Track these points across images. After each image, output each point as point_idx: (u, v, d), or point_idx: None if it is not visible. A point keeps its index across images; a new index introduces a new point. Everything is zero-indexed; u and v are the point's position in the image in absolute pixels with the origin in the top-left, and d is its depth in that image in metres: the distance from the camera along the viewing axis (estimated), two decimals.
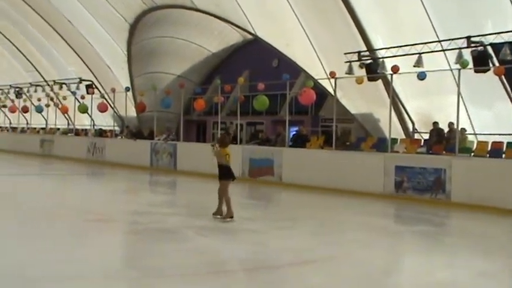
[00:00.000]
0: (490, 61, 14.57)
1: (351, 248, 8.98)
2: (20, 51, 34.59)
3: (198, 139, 29.02)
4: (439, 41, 15.38)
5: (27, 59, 34.82)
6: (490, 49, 14.44)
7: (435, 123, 17.25)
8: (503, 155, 15.35)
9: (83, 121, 33.07)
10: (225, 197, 10.54)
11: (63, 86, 29.74)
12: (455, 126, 14.79)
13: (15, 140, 32.89)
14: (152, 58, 28.01)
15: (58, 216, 11.11)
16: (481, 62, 14.42)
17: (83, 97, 27.36)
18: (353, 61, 17.22)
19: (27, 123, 35.52)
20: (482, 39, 14.41)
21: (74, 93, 28.12)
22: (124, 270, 7.37)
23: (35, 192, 15.88)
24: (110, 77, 29.43)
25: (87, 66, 30.69)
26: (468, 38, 14.45)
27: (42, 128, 33.90)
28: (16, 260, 7.33)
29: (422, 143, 17.62)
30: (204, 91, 27.02)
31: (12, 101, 33.54)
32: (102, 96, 26.90)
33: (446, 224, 12.70)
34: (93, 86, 28.65)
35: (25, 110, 31.95)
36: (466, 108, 16.69)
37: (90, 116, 30.63)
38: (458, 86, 14.21)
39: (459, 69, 14.11)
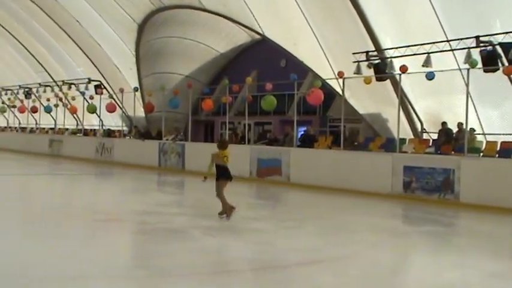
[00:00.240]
0: (499, 61, 14.49)
1: (358, 248, 8.95)
2: (30, 52, 34.75)
3: (206, 139, 29.04)
4: (448, 41, 15.31)
5: (36, 59, 34.98)
6: (499, 49, 14.35)
7: (444, 123, 17.18)
8: None
9: (91, 121, 33.20)
10: (220, 196, 10.62)
11: (72, 86, 29.86)
12: (464, 126, 14.72)
13: (25, 140, 33.05)
14: (160, 58, 28.06)
15: (66, 216, 11.15)
16: (490, 61, 14.36)
17: (91, 97, 27.47)
18: (361, 61, 17.18)
19: (36, 124, 35.69)
20: (491, 38, 14.33)
21: (82, 93, 28.23)
22: (132, 270, 7.38)
23: (43, 192, 15.97)
24: (118, 77, 29.51)
25: (96, 67, 30.78)
26: (477, 37, 14.38)
27: (51, 128, 34.06)
28: (24, 259, 7.36)
29: (430, 143, 17.55)
30: (212, 91, 27.06)
31: (22, 101, 33.70)
32: (111, 97, 26.99)
33: (455, 224, 12.64)
34: (102, 86, 28.74)
35: (34, 110, 32.09)
36: (475, 108, 16.60)
37: (99, 116, 30.72)
38: (467, 85, 14.15)
39: (468, 69, 14.06)
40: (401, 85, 16.20)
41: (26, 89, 33.76)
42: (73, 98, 29.84)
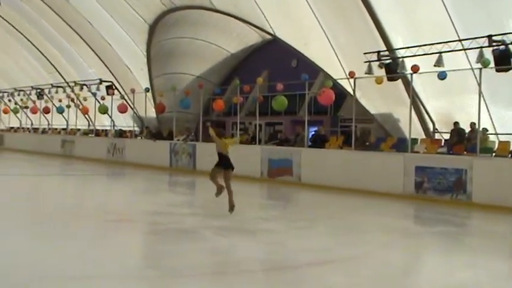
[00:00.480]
0: (511, 60, 14.38)
1: (370, 249, 8.92)
2: (42, 53, 34.98)
3: None
4: (460, 40, 15.22)
5: (48, 60, 35.20)
6: (511, 48, 14.25)
7: (456, 123, 17.08)
8: None
9: (103, 122, 33.34)
10: (229, 187, 10.94)
11: (84, 87, 29.98)
12: (476, 126, 14.63)
13: (37, 140, 33.26)
14: (171, 59, 28.13)
15: (78, 216, 11.21)
16: (502, 61, 14.25)
17: (103, 98, 27.56)
18: (372, 61, 17.12)
19: (49, 124, 35.91)
20: (504, 38, 14.22)
21: (94, 94, 28.35)
22: (143, 270, 7.40)
23: (55, 192, 16.06)
24: (129, 78, 29.62)
25: (107, 68, 30.92)
26: (489, 36, 14.28)
27: (63, 129, 34.25)
28: (36, 259, 7.40)
29: (442, 143, 17.45)
30: (223, 92, 27.08)
31: (34, 102, 33.91)
32: (122, 97, 27.08)
33: (467, 224, 12.56)
34: (113, 87, 28.83)
35: (46, 111, 32.30)
36: (487, 108, 16.49)
37: (110, 117, 30.84)
38: (479, 85, 14.06)
39: (480, 69, 13.97)
40: (412, 85, 16.13)
41: (38, 90, 33.96)
42: (85, 99, 29.98)
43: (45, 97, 33.36)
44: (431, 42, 15.50)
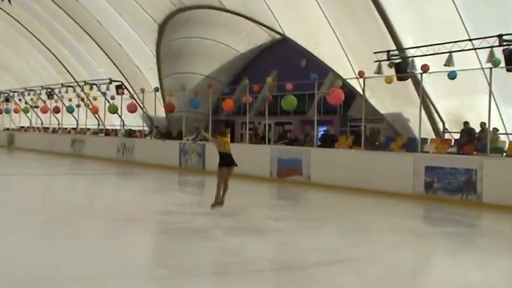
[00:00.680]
0: None
1: (379, 249, 8.91)
2: (52, 53, 35.14)
3: None
4: (470, 40, 15.15)
5: (58, 60, 35.35)
6: None
7: (466, 123, 17.00)
8: None
9: (112, 121, 33.46)
10: (227, 185, 11.21)
11: (94, 86, 30.12)
12: (487, 126, 14.57)
13: (47, 140, 33.42)
14: (181, 58, 28.18)
15: (88, 215, 11.26)
16: None
17: (112, 97, 27.67)
18: (382, 60, 17.07)
19: (59, 124, 36.06)
20: None
21: (104, 93, 28.47)
22: (153, 269, 7.43)
23: (66, 191, 16.15)
24: (139, 78, 29.70)
25: (117, 67, 31.02)
26: (500, 36, 14.20)
27: (73, 128, 34.41)
28: (46, 259, 7.45)
29: (452, 143, 17.39)
30: (233, 91, 27.10)
31: (44, 101, 34.10)
32: (132, 97, 27.18)
33: (477, 225, 12.51)
34: (123, 87, 28.94)
35: (56, 110, 32.45)
36: (497, 108, 16.42)
37: (120, 116, 30.96)
38: (489, 85, 14.00)
39: (491, 68, 13.90)
40: (422, 84, 16.08)
41: (49, 90, 34.13)
42: (94, 98, 30.11)
43: (55, 97, 33.53)
44: (442, 41, 15.43)
